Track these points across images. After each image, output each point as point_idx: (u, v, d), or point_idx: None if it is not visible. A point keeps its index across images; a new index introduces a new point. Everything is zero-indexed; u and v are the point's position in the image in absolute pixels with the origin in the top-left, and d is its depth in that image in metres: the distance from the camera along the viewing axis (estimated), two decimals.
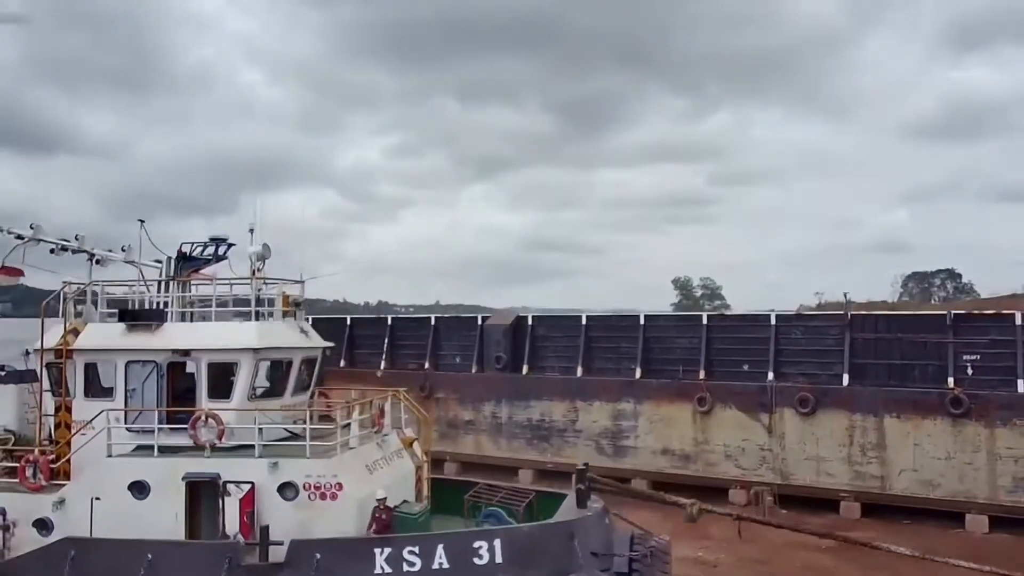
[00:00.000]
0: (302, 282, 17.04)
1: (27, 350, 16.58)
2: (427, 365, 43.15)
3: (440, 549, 13.05)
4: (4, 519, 14.46)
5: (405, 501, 15.58)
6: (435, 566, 12.87)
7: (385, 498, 14.09)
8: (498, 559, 13.10)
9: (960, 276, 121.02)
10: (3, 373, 18.64)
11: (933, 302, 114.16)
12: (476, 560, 13.05)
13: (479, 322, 42.98)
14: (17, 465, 14.91)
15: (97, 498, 14.08)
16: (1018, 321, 31.26)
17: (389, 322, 45.72)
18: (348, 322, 46.74)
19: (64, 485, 14.57)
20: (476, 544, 13.21)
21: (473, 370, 41.93)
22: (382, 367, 43.73)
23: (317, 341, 16.91)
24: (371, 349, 45.04)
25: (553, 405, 38.91)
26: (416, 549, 13.00)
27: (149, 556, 12.95)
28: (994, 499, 30.24)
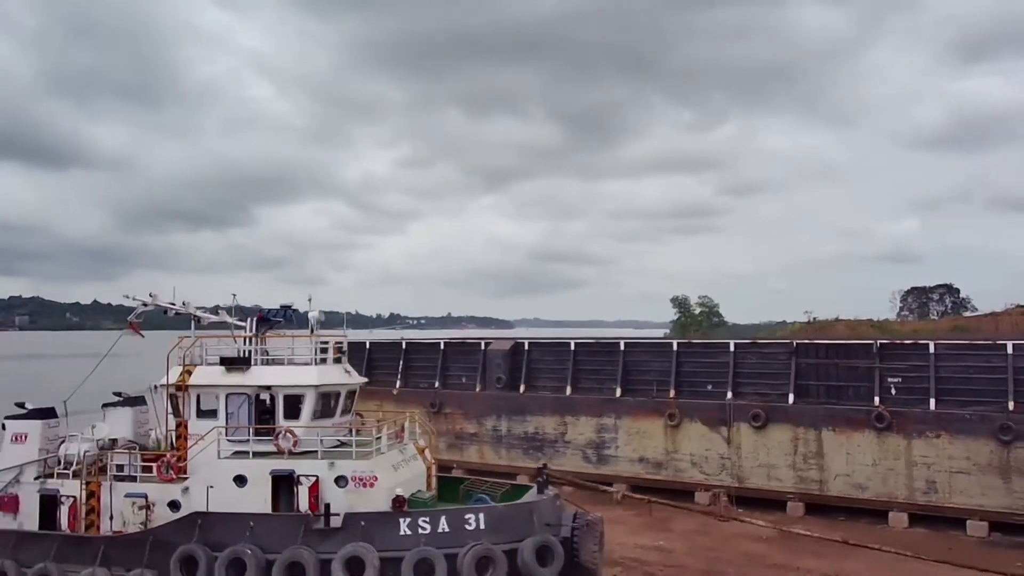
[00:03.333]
0: (345, 336, 24.36)
1: (154, 385, 23.80)
2: (437, 384, 50.43)
3: (443, 519, 20.22)
4: (146, 500, 21.73)
5: (419, 491, 22.77)
6: (439, 530, 20.03)
7: (400, 494, 21.15)
8: (482, 527, 20.22)
9: (958, 291, 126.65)
10: (121, 398, 25.90)
11: (932, 317, 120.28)
12: (467, 527, 20.18)
13: (482, 347, 50.23)
14: (152, 464, 22.21)
15: (211, 486, 21.34)
16: (931, 350, 38.20)
17: (403, 346, 52.98)
18: (368, 346, 54.05)
19: (185, 479, 21.84)
20: (467, 516, 20.37)
21: (477, 389, 49.20)
22: (397, 386, 50.99)
23: (356, 378, 24.19)
24: (388, 370, 52.28)
25: (546, 420, 46.10)
26: (427, 519, 20.18)
27: (251, 524, 20.19)
28: (912, 499, 37.14)
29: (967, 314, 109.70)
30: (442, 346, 52.13)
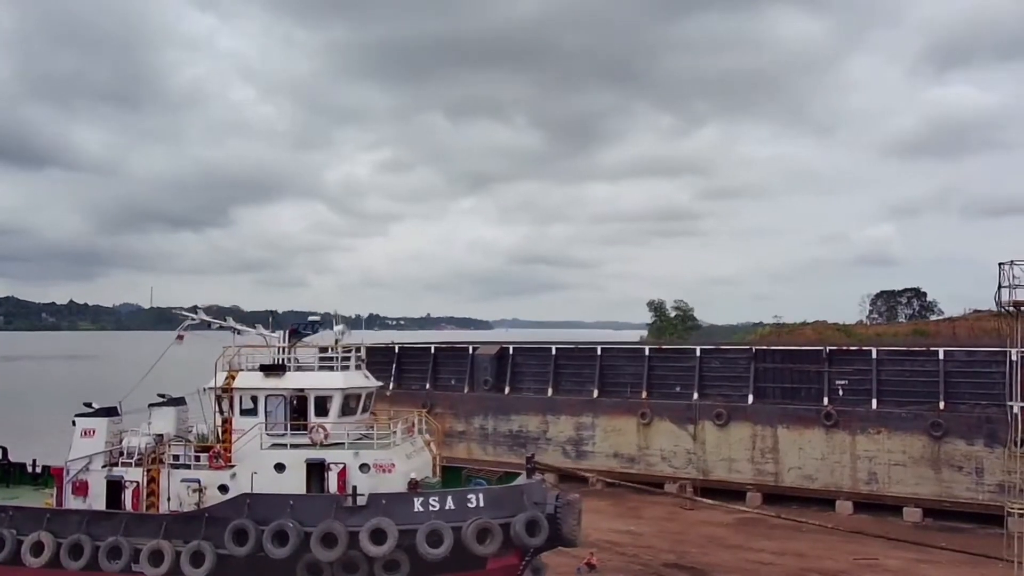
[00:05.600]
0: (363, 343, 29.15)
1: (203, 388, 28.35)
2: (428, 386, 55.21)
3: (449, 498, 25.01)
4: (200, 485, 26.36)
5: (427, 477, 27.57)
6: (447, 507, 24.80)
7: (414, 478, 26.00)
8: (481, 505, 25.00)
9: (925, 295, 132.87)
10: (165, 399, 30.40)
11: (900, 320, 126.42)
12: (469, 505, 24.95)
13: (470, 351, 55.11)
14: (203, 454, 26.85)
15: (255, 472, 26.01)
16: (874, 355, 43.51)
17: (396, 350, 57.68)
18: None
19: (232, 466, 26.48)
20: (469, 496, 25.16)
21: (465, 390, 54.11)
22: (391, 387, 55.50)
23: (374, 382, 28.99)
24: (381, 372, 56.67)
25: (529, 418, 51.12)
26: (436, 498, 24.97)
27: (291, 502, 24.89)
28: (856, 489, 42.51)
29: (933, 318, 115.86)
30: (432, 351, 56.93)
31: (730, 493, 44.80)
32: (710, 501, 36.96)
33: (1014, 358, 33.67)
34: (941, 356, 41.89)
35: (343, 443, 26.37)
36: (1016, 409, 30.18)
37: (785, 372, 45.61)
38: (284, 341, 28.32)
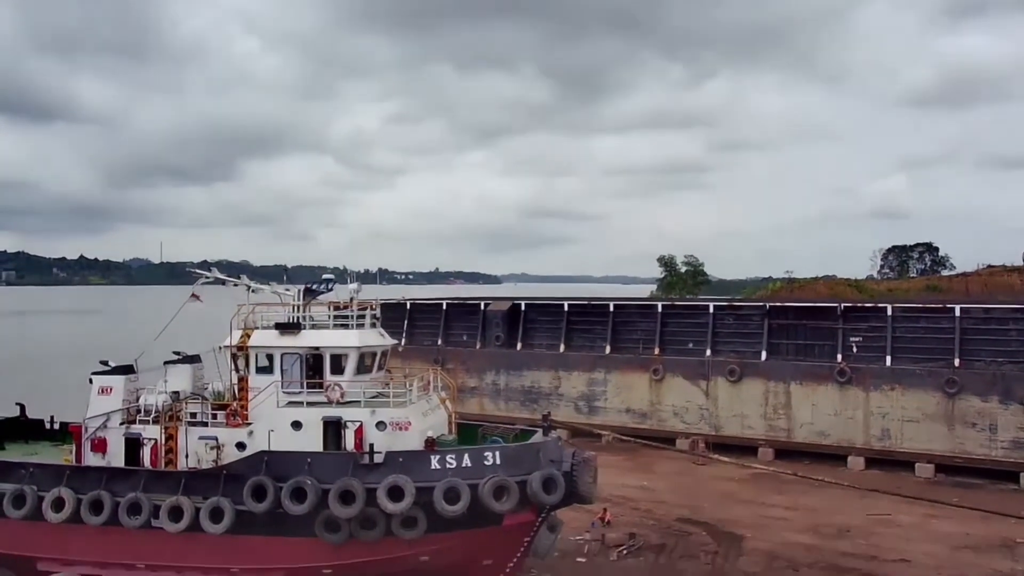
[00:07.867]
0: (375, 298, 29.05)
1: (219, 346, 28.31)
2: (440, 342, 55.22)
3: (466, 456, 25.04)
4: (217, 442, 26.46)
5: (442, 434, 27.62)
6: (463, 465, 24.84)
7: (431, 436, 26.05)
8: (498, 462, 25.05)
9: (937, 250, 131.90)
10: (180, 357, 30.42)
11: (911, 275, 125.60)
12: (485, 463, 24.98)
13: (482, 307, 55.01)
14: (220, 412, 26.92)
15: (272, 430, 26.07)
16: (889, 312, 43.24)
17: (408, 307, 57.63)
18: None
19: (250, 424, 26.56)
20: (485, 454, 25.19)
21: (477, 346, 54.13)
22: (402, 343, 55.59)
23: (389, 340, 28.90)
24: (392, 329, 56.62)
25: (541, 374, 51.16)
26: (453, 456, 25.01)
27: (308, 460, 24.97)
28: (868, 445, 42.58)
29: (945, 273, 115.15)
30: (444, 307, 56.89)
31: (742, 449, 44.99)
32: (724, 459, 37.02)
33: None
34: (957, 313, 41.59)
35: (359, 401, 26.36)
36: None
37: (799, 329, 45.43)
38: (299, 299, 28.18)
